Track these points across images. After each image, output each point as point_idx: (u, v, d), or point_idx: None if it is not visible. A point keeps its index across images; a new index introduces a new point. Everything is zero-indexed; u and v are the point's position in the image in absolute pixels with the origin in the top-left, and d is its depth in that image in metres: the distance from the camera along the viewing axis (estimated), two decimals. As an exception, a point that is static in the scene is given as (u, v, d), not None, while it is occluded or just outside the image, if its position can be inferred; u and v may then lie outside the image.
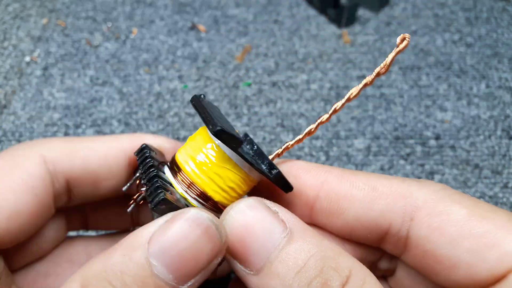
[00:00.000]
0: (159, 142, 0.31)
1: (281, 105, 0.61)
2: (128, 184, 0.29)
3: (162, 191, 0.24)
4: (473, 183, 0.53)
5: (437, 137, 0.57)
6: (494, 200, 0.51)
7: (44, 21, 0.72)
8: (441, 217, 0.25)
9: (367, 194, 0.27)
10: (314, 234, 0.24)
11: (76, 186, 0.29)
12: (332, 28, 0.71)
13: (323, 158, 0.55)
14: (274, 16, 0.73)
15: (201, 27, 0.71)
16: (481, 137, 0.57)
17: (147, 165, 0.27)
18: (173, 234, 0.22)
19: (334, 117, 0.59)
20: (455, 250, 0.24)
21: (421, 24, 0.72)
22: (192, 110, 0.60)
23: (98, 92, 0.62)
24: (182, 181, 0.26)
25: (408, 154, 0.55)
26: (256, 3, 0.75)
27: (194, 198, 0.26)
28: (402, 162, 0.55)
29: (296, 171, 0.29)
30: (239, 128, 0.58)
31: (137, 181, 0.29)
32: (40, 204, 0.27)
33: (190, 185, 0.26)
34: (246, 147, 0.26)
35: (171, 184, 0.27)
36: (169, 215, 0.23)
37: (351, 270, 0.22)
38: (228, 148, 0.25)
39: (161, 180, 0.26)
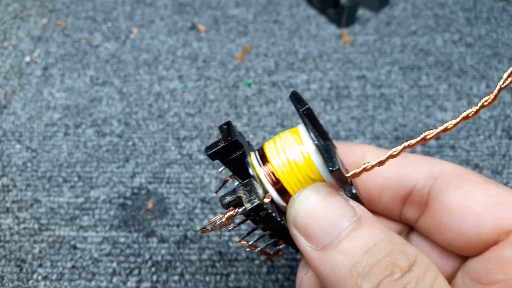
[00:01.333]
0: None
1: (281, 105, 0.61)
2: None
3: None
4: (473, 183, 0.53)
5: (437, 137, 0.57)
6: (494, 200, 0.51)
7: (44, 21, 0.72)
8: (461, 177, 0.28)
9: (398, 160, 0.30)
10: (381, 224, 0.25)
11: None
12: (332, 28, 0.71)
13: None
14: (274, 16, 0.73)
15: (201, 27, 0.71)
16: (481, 137, 0.57)
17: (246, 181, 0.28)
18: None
19: (334, 117, 0.59)
20: (467, 202, 0.27)
21: (421, 24, 0.72)
22: (192, 110, 0.60)
23: (98, 92, 0.62)
24: (267, 173, 0.28)
25: (408, 154, 0.55)
26: (256, 3, 0.75)
27: (271, 185, 0.27)
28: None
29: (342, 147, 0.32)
30: (239, 128, 0.58)
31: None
32: None
33: (272, 176, 0.27)
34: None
35: (257, 176, 0.28)
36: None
37: (417, 257, 0.23)
38: (318, 160, 0.27)
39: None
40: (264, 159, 0.28)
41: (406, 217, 0.31)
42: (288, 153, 0.27)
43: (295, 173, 0.27)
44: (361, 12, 0.73)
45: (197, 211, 0.50)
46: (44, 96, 0.61)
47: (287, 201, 0.28)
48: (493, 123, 0.59)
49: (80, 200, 0.51)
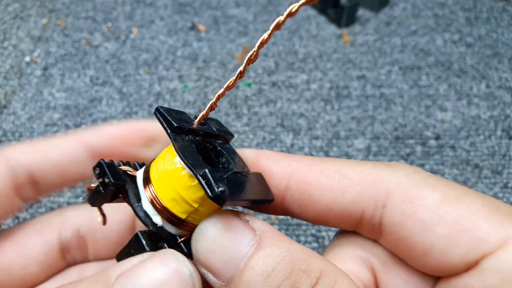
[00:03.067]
0: (119, 132, 0.32)
1: (281, 105, 0.61)
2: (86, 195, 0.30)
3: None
4: (473, 183, 0.53)
5: (437, 137, 0.57)
6: (494, 200, 0.51)
7: (44, 21, 0.72)
8: (414, 203, 0.24)
9: (337, 182, 0.26)
10: (284, 239, 0.23)
11: (41, 176, 0.31)
12: (332, 28, 0.71)
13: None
14: (274, 16, 0.73)
15: (201, 27, 0.71)
16: (481, 137, 0.57)
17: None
18: (143, 273, 0.22)
19: (334, 117, 0.59)
20: (428, 237, 0.24)
21: (421, 24, 0.72)
22: (192, 110, 0.60)
23: (98, 92, 0.62)
24: (148, 190, 0.25)
25: (408, 154, 0.55)
26: (256, 3, 0.75)
27: (158, 212, 0.25)
28: (402, 162, 0.55)
29: (265, 162, 0.28)
30: (239, 128, 0.58)
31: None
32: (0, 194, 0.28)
33: (155, 197, 0.25)
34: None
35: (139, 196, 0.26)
36: (145, 255, 0.23)
37: (322, 271, 0.22)
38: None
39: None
40: (148, 180, 0.26)
41: (365, 236, 0.28)
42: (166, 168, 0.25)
43: (176, 195, 0.25)
44: (361, 12, 0.73)
45: (197, 211, 0.51)
46: (44, 96, 0.61)
47: (186, 229, 0.26)
48: (493, 123, 0.59)
49: (80, 200, 0.51)
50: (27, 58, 0.66)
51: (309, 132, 0.58)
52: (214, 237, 0.23)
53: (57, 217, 0.33)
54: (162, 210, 0.25)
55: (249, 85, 0.63)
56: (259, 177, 0.27)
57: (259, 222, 0.24)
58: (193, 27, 0.71)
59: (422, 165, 0.54)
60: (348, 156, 0.55)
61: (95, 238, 0.32)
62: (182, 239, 0.26)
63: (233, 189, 0.24)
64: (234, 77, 0.25)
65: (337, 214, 0.27)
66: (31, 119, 0.59)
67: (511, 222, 0.23)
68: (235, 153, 0.28)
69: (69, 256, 0.32)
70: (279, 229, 0.49)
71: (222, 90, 0.25)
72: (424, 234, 0.24)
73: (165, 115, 0.24)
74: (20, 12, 0.73)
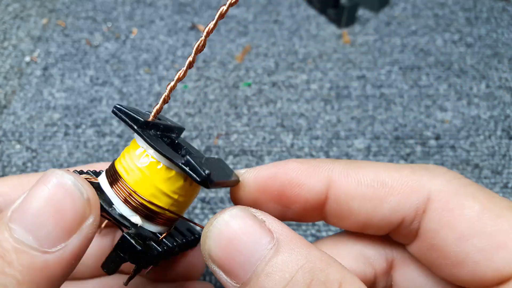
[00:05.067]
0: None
1: (281, 105, 0.61)
2: None
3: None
4: (473, 183, 0.53)
5: (437, 137, 0.57)
6: (494, 200, 0.51)
7: (44, 21, 0.72)
8: (453, 212, 0.24)
9: (377, 192, 0.26)
10: (302, 243, 0.23)
11: None
12: (332, 28, 0.71)
13: (323, 158, 0.55)
14: (274, 16, 0.73)
15: (201, 27, 0.71)
16: (481, 137, 0.57)
17: None
18: (31, 197, 0.21)
19: (334, 117, 0.59)
20: (463, 247, 0.24)
21: (421, 24, 0.72)
22: (192, 110, 0.60)
23: (98, 92, 0.62)
24: (120, 190, 0.25)
25: (408, 154, 0.55)
26: (256, 3, 0.75)
27: (134, 211, 0.25)
28: (402, 162, 0.55)
29: (297, 178, 0.27)
30: (239, 128, 0.58)
31: None
32: None
33: (130, 195, 0.25)
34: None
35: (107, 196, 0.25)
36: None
37: (342, 282, 0.21)
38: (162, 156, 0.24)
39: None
40: (116, 177, 0.25)
41: (396, 240, 0.28)
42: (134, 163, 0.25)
43: (152, 185, 0.24)
44: (361, 12, 0.73)
45: (197, 211, 0.50)
46: (44, 96, 0.61)
47: (160, 223, 0.25)
48: (493, 123, 0.59)
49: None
50: (27, 58, 0.66)
51: (309, 132, 0.58)
52: (229, 236, 0.23)
53: None
54: (139, 207, 0.25)
55: (249, 85, 0.63)
56: (221, 161, 0.27)
57: (276, 223, 0.23)
58: (193, 27, 0.71)
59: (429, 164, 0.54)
60: (348, 156, 0.55)
61: None
62: (164, 235, 0.26)
63: (215, 171, 0.24)
64: (184, 68, 0.25)
65: (376, 223, 0.26)
66: (31, 119, 0.59)
67: None
68: (190, 145, 0.28)
69: None
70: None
71: (173, 82, 0.25)
72: (460, 244, 0.24)
73: (127, 113, 0.24)
74: (20, 12, 0.73)
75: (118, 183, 0.25)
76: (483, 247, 0.23)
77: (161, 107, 0.26)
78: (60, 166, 0.54)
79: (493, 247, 0.23)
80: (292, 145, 0.56)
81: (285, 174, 0.27)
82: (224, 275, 0.23)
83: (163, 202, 0.25)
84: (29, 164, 0.54)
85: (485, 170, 0.54)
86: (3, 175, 0.53)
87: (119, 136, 0.57)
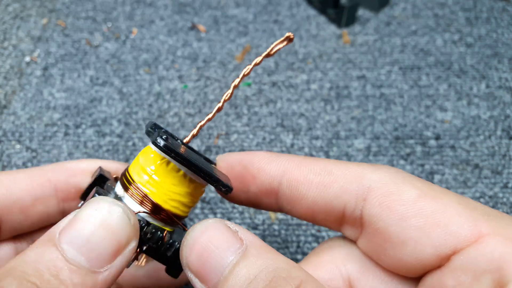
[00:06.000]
0: (85, 164, 0.33)
1: (281, 105, 0.61)
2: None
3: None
4: (473, 183, 0.53)
5: (437, 137, 0.57)
6: (494, 200, 0.51)
7: (44, 21, 0.72)
8: (392, 196, 0.26)
9: (323, 178, 0.28)
10: (270, 250, 0.24)
11: (2, 215, 0.30)
12: (332, 28, 0.71)
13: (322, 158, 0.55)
14: (274, 16, 0.73)
15: (201, 27, 0.71)
16: (481, 137, 0.57)
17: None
18: (82, 220, 0.23)
19: (334, 117, 0.59)
20: (403, 227, 0.25)
21: (421, 24, 0.72)
22: (192, 110, 0.60)
23: (98, 92, 0.62)
24: (134, 194, 0.27)
25: (408, 154, 0.55)
26: (256, 3, 0.75)
27: (146, 213, 0.27)
28: (402, 162, 0.55)
29: (259, 163, 0.30)
30: (239, 128, 0.58)
31: None
32: None
33: (143, 198, 0.27)
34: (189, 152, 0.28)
35: (122, 199, 0.27)
36: (77, 210, 0.24)
37: (302, 281, 0.22)
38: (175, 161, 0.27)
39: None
40: (129, 181, 0.28)
41: (347, 236, 0.30)
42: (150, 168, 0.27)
43: (166, 191, 0.27)
44: (361, 12, 0.73)
45: (197, 211, 0.50)
46: (44, 96, 0.61)
47: (167, 217, 0.28)
48: (493, 123, 0.59)
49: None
50: (27, 58, 0.66)
51: (309, 132, 0.58)
52: (203, 244, 0.24)
53: None
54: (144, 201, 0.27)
55: (249, 85, 0.63)
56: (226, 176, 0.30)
57: (247, 233, 0.25)
58: (193, 27, 0.71)
59: (422, 165, 0.54)
60: (348, 156, 0.55)
61: (11, 217, 0.31)
62: (165, 232, 0.27)
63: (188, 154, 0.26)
64: (214, 111, 0.29)
65: (321, 209, 0.29)
66: (31, 119, 0.59)
67: (485, 221, 0.24)
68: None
69: None
70: (279, 229, 0.49)
71: (204, 121, 0.29)
72: (400, 225, 0.25)
73: (171, 148, 0.26)
74: (20, 12, 0.73)
75: (132, 187, 0.27)
76: (421, 226, 0.25)
77: (189, 140, 0.29)
78: (60, 166, 0.54)
79: (430, 225, 0.24)
80: (292, 145, 0.56)
81: (249, 159, 0.30)
82: (198, 282, 0.24)
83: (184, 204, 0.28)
84: (29, 164, 0.54)
85: (485, 170, 0.54)
86: (3, 175, 0.53)
87: (119, 136, 0.57)
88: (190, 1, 0.75)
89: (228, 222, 0.25)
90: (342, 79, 0.64)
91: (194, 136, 0.29)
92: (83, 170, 0.32)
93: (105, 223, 0.23)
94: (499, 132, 0.58)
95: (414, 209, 0.25)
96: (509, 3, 0.75)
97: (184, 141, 0.29)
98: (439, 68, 0.65)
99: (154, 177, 0.27)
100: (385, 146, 0.56)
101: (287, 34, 0.27)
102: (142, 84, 0.63)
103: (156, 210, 0.27)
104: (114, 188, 0.28)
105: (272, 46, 0.27)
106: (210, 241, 0.24)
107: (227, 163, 0.31)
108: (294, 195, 0.29)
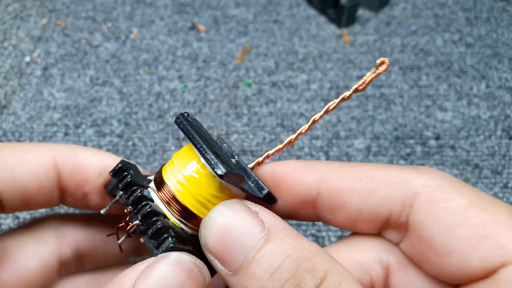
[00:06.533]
0: (97, 158, 0.31)
1: (281, 105, 0.61)
2: (108, 208, 0.28)
3: (168, 237, 0.24)
4: (473, 183, 0.53)
5: (437, 137, 0.57)
6: (494, 200, 0.51)
7: (44, 21, 0.72)
8: (439, 204, 0.25)
9: (366, 185, 0.27)
10: (293, 234, 0.24)
11: (3, 199, 0.28)
12: (332, 28, 0.71)
13: (323, 158, 0.55)
14: (274, 16, 0.73)
15: (201, 27, 0.71)
16: (481, 137, 0.57)
17: (136, 195, 0.26)
18: (157, 279, 0.22)
19: (334, 117, 0.59)
20: (450, 237, 0.24)
21: (421, 24, 0.72)
22: (192, 110, 0.60)
23: (98, 92, 0.62)
24: (165, 198, 0.26)
25: (408, 154, 0.55)
26: (256, 3, 0.75)
27: (179, 220, 0.26)
28: (402, 162, 0.55)
29: (293, 173, 0.29)
30: (239, 128, 0.58)
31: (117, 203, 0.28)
32: None
33: (172, 202, 0.26)
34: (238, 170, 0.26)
35: (158, 207, 0.26)
36: (150, 260, 0.23)
37: (327, 271, 0.22)
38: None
39: (157, 215, 0.25)
40: (162, 185, 0.26)
41: (389, 239, 0.29)
42: (184, 172, 0.26)
43: (195, 192, 0.26)
44: (361, 12, 0.73)
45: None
46: (44, 96, 0.61)
47: (195, 225, 0.27)
48: (493, 123, 0.59)
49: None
50: (27, 58, 0.66)
51: (309, 132, 0.58)
52: (223, 225, 0.24)
53: (54, 232, 0.31)
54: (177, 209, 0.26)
55: (249, 85, 0.63)
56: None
57: (268, 215, 0.24)
58: (193, 27, 0.71)
59: (422, 165, 0.54)
60: (348, 156, 0.55)
61: (94, 254, 0.32)
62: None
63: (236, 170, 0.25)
64: (285, 142, 0.29)
65: (365, 217, 0.27)
66: (31, 119, 0.59)
67: None
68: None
69: (63, 271, 0.32)
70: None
71: (273, 151, 0.28)
72: (446, 235, 0.24)
73: (234, 174, 0.24)
74: (20, 12, 0.73)
75: (164, 189, 0.26)
76: (469, 237, 0.24)
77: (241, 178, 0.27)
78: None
79: (478, 237, 0.23)
80: (292, 145, 0.56)
81: (282, 169, 0.29)
82: (218, 264, 0.24)
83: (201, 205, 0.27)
84: (29, 164, 0.54)
85: (485, 170, 0.54)
86: (3, 175, 0.53)
87: (119, 136, 0.57)
88: (190, 1, 0.75)
89: (248, 202, 0.25)
90: (342, 79, 0.64)
91: (259, 164, 0.28)
92: (93, 166, 0.30)
93: (182, 284, 0.22)
94: (499, 132, 0.58)
95: (462, 219, 0.24)
96: (509, 3, 0.75)
97: (249, 166, 0.28)
98: (439, 68, 0.65)
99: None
100: (385, 146, 0.56)
101: (380, 60, 0.25)
102: (142, 84, 0.63)
103: (186, 216, 0.26)
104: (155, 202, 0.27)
105: (365, 78, 0.26)
106: (231, 223, 0.24)
107: (257, 175, 0.29)
108: (336, 204, 0.28)
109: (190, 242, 0.26)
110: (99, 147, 0.56)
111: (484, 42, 0.69)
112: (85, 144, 0.56)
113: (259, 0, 0.75)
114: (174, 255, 0.23)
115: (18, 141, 0.56)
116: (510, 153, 0.56)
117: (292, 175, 0.29)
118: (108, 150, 0.56)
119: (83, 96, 0.61)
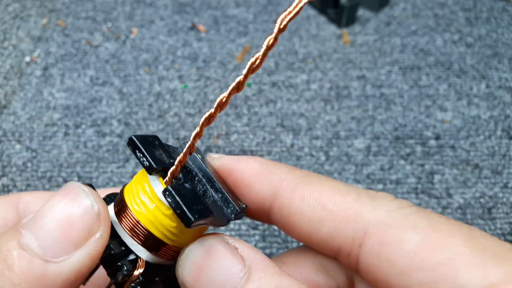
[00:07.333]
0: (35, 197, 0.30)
1: (281, 105, 0.61)
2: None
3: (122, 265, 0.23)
4: (473, 183, 0.53)
5: (437, 137, 0.57)
6: (494, 200, 0.51)
7: (44, 21, 0.72)
8: (391, 246, 0.23)
9: (316, 213, 0.25)
10: (274, 272, 0.23)
11: None
12: (332, 28, 0.71)
13: (323, 158, 0.55)
14: (274, 16, 0.73)
15: (201, 27, 0.71)
16: (481, 137, 0.57)
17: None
18: (44, 206, 0.22)
19: (334, 117, 0.59)
20: (405, 282, 0.23)
21: (421, 24, 0.72)
22: (192, 110, 0.60)
23: (98, 92, 0.62)
24: (126, 225, 0.24)
25: (408, 154, 0.55)
26: (256, 3, 0.75)
27: (141, 245, 0.24)
28: (402, 162, 0.55)
29: (249, 178, 0.27)
30: (239, 128, 0.58)
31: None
32: None
33: (135, 227, 0.23)
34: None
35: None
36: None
37: None
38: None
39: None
40: (123, 210, 0.24)
41: (344, 265, 0.28)
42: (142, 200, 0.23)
43: (157, 219, 0.23)
44: (361, 12, 0.73)
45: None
46: (44, 96, 0.61)
47: (167, 255, 0.24)
48: (493, 123, 0.59)
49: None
50: (27, 58, 0.66)
51: (309, 132, 0.58)
52: (200, 264, 0.22)
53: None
54: (146, 238, 0.23)
55: (249, 85, 0.63)
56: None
57: (248, 249, 0.23)
58: (193, 27, 0.71)
59: (422, 165, 0.54)
60: (348, 156, 0.55)
61: None
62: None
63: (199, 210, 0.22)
64: (213, 110, 0.23)
65: (315, 243, 0.26)
66: (31, 119, 0.59)
67: (496, 265, 0.22)
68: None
69: None
70: (274, 231, 0.49)
71: (197, 129, 0.23)
72: (402, 279, 0.23)
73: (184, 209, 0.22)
74: (20, 12, 0.73)
75: (125, 213, 0.24)
76: (424, 281, 0.23)
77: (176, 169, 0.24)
78: (60, 166, 0.54)
79: (433, 280, 0.22)
80: (292, 145, 0.56)
81: (240, 171, 0.27)
82: None
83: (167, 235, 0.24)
84: (29, 164, 0.54)
85: (485, 170, 0.54)
86: (3, 175, 0.53)
87: (119, 136, 0.57)
88: (190, 1, 0.75)
89: (227, 237, 0.24)
90: (342, 79, 0.64)
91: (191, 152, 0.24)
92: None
93: (64, 208, 0.21)
94: (499, 132, 0.58)
95: (415, 261, 0.23)
96: (509, 3, 0.75)
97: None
98: (439, 68, 0.65)
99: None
100: (385, 146, 0.56)
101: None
102: (142, 84, 0.63)
103: (153, 244, 0.23)
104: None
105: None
106: (209, 261, 0.22)
107: (219, 169, 0.28)
108: (288, 223, 0.26)
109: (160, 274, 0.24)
110: (99, 147, 0.56)
111: (484, 42, 0.69)
112: (85, 144, 0.56)
113: (259, 0, 0.75)
114: (68, 186, 0.22)
115: (18, 141, 0.56)
116: (510, 153, 0.56)
117: (249, 181, 0.27)
118: (108, 150, 0.56)
119: (83, 96, 0.61)
